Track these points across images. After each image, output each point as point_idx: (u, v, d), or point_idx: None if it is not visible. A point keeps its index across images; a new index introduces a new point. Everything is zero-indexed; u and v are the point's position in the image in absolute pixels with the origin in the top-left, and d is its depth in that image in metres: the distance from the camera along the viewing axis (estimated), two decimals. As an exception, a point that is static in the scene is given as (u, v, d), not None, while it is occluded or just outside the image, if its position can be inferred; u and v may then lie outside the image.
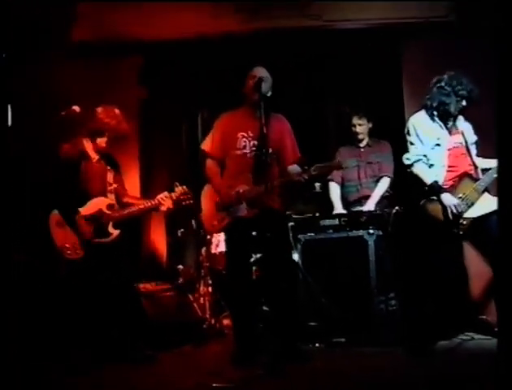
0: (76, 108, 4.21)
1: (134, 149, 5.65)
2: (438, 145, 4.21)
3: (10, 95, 5.26)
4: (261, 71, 4.14)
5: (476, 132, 4.37)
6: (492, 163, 4.16)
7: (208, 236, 5.66)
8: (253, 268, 5.28)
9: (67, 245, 4.23)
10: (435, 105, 4.21)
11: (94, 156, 4.41)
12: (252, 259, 5.18)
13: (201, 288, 5.68)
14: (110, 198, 4.40)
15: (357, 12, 5.33)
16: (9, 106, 5.25)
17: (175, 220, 6.03)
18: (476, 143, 4.35)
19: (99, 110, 4.33)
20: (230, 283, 4.33)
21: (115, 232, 4.33)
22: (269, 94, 4.11)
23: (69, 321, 4.10)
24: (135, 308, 4.37)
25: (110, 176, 4.44)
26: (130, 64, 5.59)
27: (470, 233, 4.15)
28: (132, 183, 5.58)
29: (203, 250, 5.74)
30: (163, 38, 5.40)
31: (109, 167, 4.46)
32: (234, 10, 5.31)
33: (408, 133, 4.31)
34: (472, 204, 4.12)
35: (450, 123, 4.26)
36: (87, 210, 4.29)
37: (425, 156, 4.21)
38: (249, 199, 4.07)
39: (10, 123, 5.26)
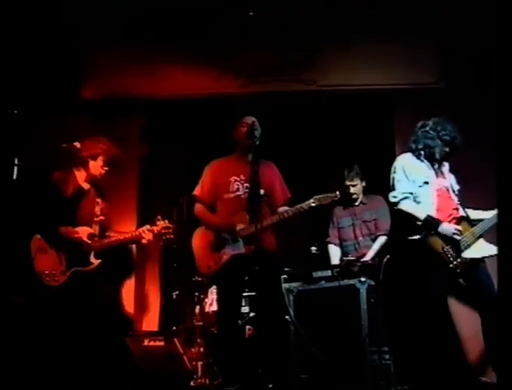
0: (77, 144, 4.38)
1: (132, 205, 5.74)
2: (426, 183, 4.25)
3: (17, 150, 5.52)
4: (253, 119, 4.37)
5: (459, 182, 4.45)
6: (483, 214, 4.25)
7: (202, 296, 5.69)
8: (247, 327, 5.32)
9: (46, 272, 4.27)
10: (420, 147, 4.31)
11: (86, 186, 4.53)
12: (245, 318, 5.25)
13: (194, 350, 5.63)
14: (94, 229, 4.47)
15: (349, 78, 5.61)
16: (15, 160, 5.51)
17: (169, 281, 6.05)
18: (459, 191, 4.39)
19: (88, 140, 4.53)
20: (222, 323, 4.34)
21: (96, 262, 4.37)
22: (257, 143, 4.25)
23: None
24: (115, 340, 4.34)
25: (97, 208, 4.55)
26: (133, 122, 5.83)
27: (466, 273, 4.10)
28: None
29: (197, 309, 5.72)
30: (166, 98, 5.71)
31: (98, 200, 4.58)
32: (234, 75, 5.62)
33: (394, 172, 4.34)
34: (469, 246, 4.12)
35: (436, 165, 4.33)
36: (66, 236, 4.34)
37: (411, 193, 4.23)
38: (246, 237, 4.14)
39: (15, 176, 5.50)
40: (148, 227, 4.45)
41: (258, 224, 3.93)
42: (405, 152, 4.42)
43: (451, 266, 4.07)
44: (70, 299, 4.23)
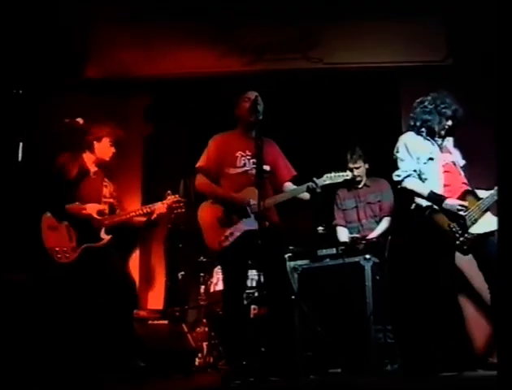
0: (80, 120, 4.36)
1: (137, 185, 5.74)
2: (431, 159, 4.17)
3: (22, 131, 5.50)
4: (255, 94, 4.28)
5: (464, 157, 4.39)
6: (487, 193, 4.13)
7: (207, 276, 5.70)
8: (252, 307, 5.30)
9: (57, 249, 4.27)
10: (418, 124, 4.24)
11: (93, 168, 4.53)
12: (250, 297, 5.24)
13: (199, 330, 5.65)
14: (103, 207, 4.47)
15: (356, 56, 5.55)
16: (20, 143, 5.49)
17: (175, 261, 6.05)
18: (464, 167, 4.33)
19: (92, 124, 4.55)
20: (227, 301, 4.25)
21: (107, 237, 4.39)
22: (260, 118, 4.18)
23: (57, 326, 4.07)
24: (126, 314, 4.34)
25: (106, 191, 4.57)
26: (138, 101, 5.80)
27: (474, 248, 4.02)
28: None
29: (202, 289, 5.73)
30: (170, 77, 5.67)
31: (106, 183, 4.59)
32: (239, 53, 5.58)
33: (397, 151, 4.27)
34: (476, 220, 4.03)
35: (440, 141, 4.26)
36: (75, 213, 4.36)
37: (415, 171, 4.16)
38: (258, 212, 3.98)
39: (20, 158, 5.48)
40: (158, 203, 4.47)
41: (270, 200, 3.98)
42: (407, 131, 4.35)
43: (458, 242, 3.99)
44: (82, 275, 4.24)
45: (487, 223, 4.07)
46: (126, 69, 5.57)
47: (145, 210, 4.47)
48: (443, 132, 4.24)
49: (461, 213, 4.02)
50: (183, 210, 4.49)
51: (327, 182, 4.11)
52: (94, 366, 4.11)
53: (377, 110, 5.78)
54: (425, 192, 4.10)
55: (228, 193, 4.20)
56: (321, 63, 5.53)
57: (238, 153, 4.26)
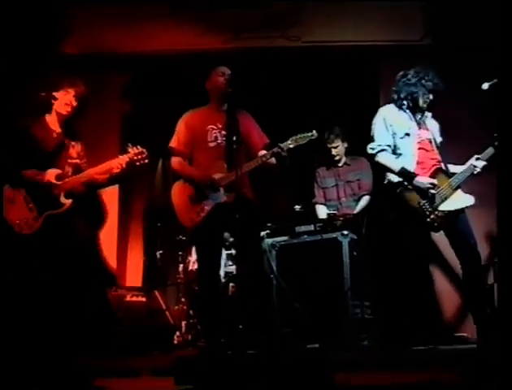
0: (56, 94, 4.27)
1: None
2: (407, 134, 4.21)
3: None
4: (228, 69, 4.27)
5: (441, 134, 4.42)
6: (462, 168, 4.22)
7: (185, 254, 5.71)
8: (231, 285, 5.33)
9: (17, 221, 4.12)
10: (402, 96, 4.25)
11: (56, 129, 4.34)
12: (228, 275, 5.27)
13: (178, 308, 5.66)
14: (67, 170, 4.27)
15: (335, 34, 5.55)
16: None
17: (153, 240, 6.05)
18: (441, 144, 4.36)
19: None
20: (202, 278, 4.27)
21: (67, 202, 4.19)
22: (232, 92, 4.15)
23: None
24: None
25: (72, 151, 4.36)
26: (116, 79, 5.74)
27: (444, 225, 4.11)
28: (111, 199, 5.63)
29: (180, 267, 5.73)
30: (148, 54, 5.61)
31: (73, 143, 4.38)
32: (218, 31, 5.54)
33: (374, 123, 4.31)
34: (446, 198, 4.10)
35: (419, 117, 4.29)
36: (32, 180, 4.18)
37: (389, 146, 4.21)
38: (225, 185, 4.05)
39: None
40: (119, 156, 4.28)
41: (238, 170, 3.86)
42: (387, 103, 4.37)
43: (428, 220, 4.06)
44: (47, 244, 4.10)
45: (457, 201, 4.15)
46: (104, 46, 5.53)
47: (104, 168, 4.26)
48: (425, 105, 4.26)
49: (431, 191, 4.08)
50: (146, 161, 4.30)
51: (293, 145, 4.08)
52: (66, 343, 4.02)
53: (355, 88, 5.80)
54: (396, 168, 4.15)
55: (195, 174, 4.18)
56: (299, 42, 5.52)
57: (209, 127, 4.23)
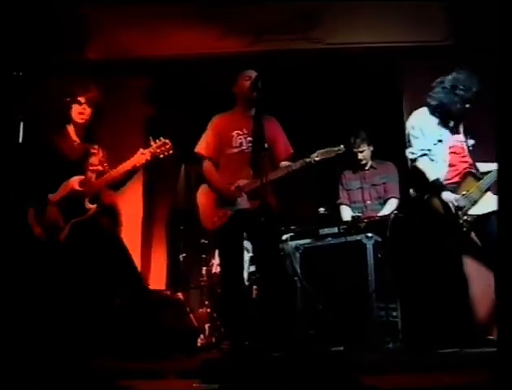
0: (81, 99, 4.28)
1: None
2: (440, 141, 4.18)
3: (22, 112, 5.47)
4: (255, 73, 4.23)
5: (473, 136, 4.36)
6: (493, 166, 4.13)
7: (208, 257, 5.72)
8: (254, 287, 5.32)
9: (47, 229, 4.12)
10: (434, 103, 4.21)
11: (76, 138, 4.36)
12: (252, 278, 5.26)
13: (201, 310, 5.67)
14: (89, 176, 4.26)
15: (357, 36, 5.53)
16: (21, 124, 5.45)
17: (177, 243, 6.07)
18: (473, 146, 4.32)
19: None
20: (225, 281, 4.28)
21: (92, 207, 4.20)
22: (259, 96, 4.11)
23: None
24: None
25: (94, 159, 4.34)
26: (138, 83, 5.79)
27: (474, 230, 4.08)
28: (136, 205, 5.67)
29: (204, 270, 5.75)
30: (170, 58, 5.65)
31: (94, 150, 4.37)
32: (239, 34, 5.55)
33: (412, 127, 4.27)
34: (475, 202, 4.07)
35: (452, 123, 4.24)
36: (57, 195, 4.19)
37: (429, 150, 4.17)
38: (249, 191, 4.07)
39: (21, 139, 5.45)
40: (141, 150, 4.23)
41: (264, 178, 3.82)
42: (421, 107, 4.32)
43: (457, 224, 4.03)
44: (75, 251, 4.10)
45: (487, 204, 4.09)
46: (126, 50, 5.57)
47: (127, 166, 4.19)
48: (458, 114, 4.20)
49: (452, 209, 4.04)
50: (171, 152, 4.22)
51: (319, 158, 4.07)
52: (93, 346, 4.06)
53: (378, 91, 5.77)
54: (432, 177, 4.14)
55: (219, 185, 4.17)
56: (321, 44, 5.52)
57: (235, 133, 4.23)
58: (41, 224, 4.16)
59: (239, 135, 4.22)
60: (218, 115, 4.41)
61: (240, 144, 4.21)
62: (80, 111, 4.28)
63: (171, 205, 6.50)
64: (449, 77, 4.21)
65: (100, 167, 4.34)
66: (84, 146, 4.36)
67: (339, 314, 4.46)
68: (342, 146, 4.12)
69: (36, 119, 5.12)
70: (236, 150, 4.21)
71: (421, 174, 4.21)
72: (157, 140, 4.23)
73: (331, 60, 5.70)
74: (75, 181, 4.21)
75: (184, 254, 6.01)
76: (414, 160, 4.24)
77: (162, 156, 4.22)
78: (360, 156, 5.33)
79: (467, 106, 4.17)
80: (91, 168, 4.31)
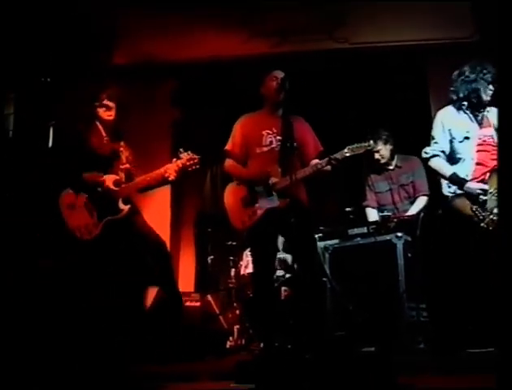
0: (109, 103, 4.34)
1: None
2: (467, 138, 4.06)
3: (51, 118, 5.56)
4: (282, 73, 4.25)
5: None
6: None
7: (236, 259, 5.73)
8: (283, 289, 5.32)
9: (79, 227, 4.17)
10: (462, 95, 4.08)
11: (105, 135, 4.42)
12: (281, 278, 5.25)
13: (230, 313, 5.67)
14: (120, 176, 4.32)
15: (382, 35, 5.55)
16: (51, 129, 5.53)
17: (204, 246, 6.09)
18: None
19: None
20: (257, 280, 4.24)
21: (126, 208, 4.25)
22: (287, 96, 4.15)
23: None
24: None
25: (122, 157, 4.41)
26: (165, 87, 5.86)
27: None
28: (163, 206, 5.71)
29: (232, 272, 5.76)
30: (196, 61, 5.71)
31: (122, 148, 4.44)
32: (265, 35, 5.58)
33: (434, 127, 4.18)
34: None
35: (480, 115, 4.10)
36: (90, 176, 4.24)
37: (443, 152, 4.10)
38: (280, 190, 4.05)
39: (50, 144, 5.53)
40: (173, 161, 4.26)
41: (293, 176, 3.85)
42: (446, 105, 4.20)
43: (482, 225, 3.85)
44: (107, 249, 4.16)
45: None
46: (152, 55, 5.64)
47: (159, 174, 4.25)
48: (489, 99, 4.05)
49: (481, 197, 3.89)
50: (198, 166, 4.28)
51: (349, 153, 4.03)
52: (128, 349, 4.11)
53: (404, 89, 5.74)
54: (447, 174, 4.04)
55: (249, 173, 4.20)
56: (347, 43, 5.54)
57: (264, 132, 4.23)
58: (74, 218, 4.21)
59: (268, 134, 4.22)
60: (245, 115, 4.41)
61: (270, 142, 4.20)
62: (103, 109, 4.34)
63: (199, 207, 6.54)
64: (467, 67, 4.10)
65: (128, 165, 4.40)
66: (112, 144, 4.41)
67: (369, 315, 4.43)
68: (372, 142, 4.10)
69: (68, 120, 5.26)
70: (266, 149, 4.21)
71: (437, 173, 4.15)
72: (186, 154, 4.26)
73: (356, 59, 5.69)
74: (110, 179, 4.25)
75: (212, 257, 6.03)
76: (427, 160, 4.18)
77: (190, 169, 4.28)
78: (376, 156, 5.21)
79: (492, 88, 4.02)
80: (121, 167, 4.36)
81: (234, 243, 5.77)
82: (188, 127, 5.98)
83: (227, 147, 4.34)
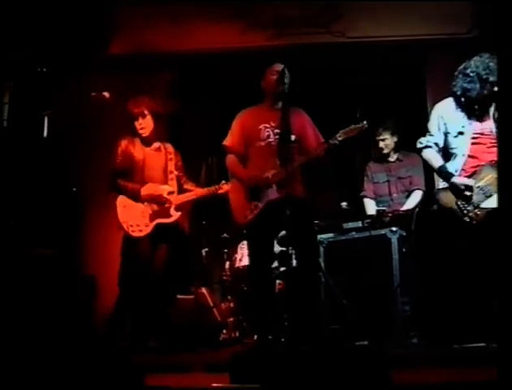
0: (106, 94, 4.38)
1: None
2: (461, 133, 4.04)
3: (47, 108, 5.54)
4: (282, 66, 4.21)
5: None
6: None
7: (231, 251, 5.73)
8: (277, 282, 5.32)
9: (130, 223, 4.56)
10: (458, 92, 4.07)
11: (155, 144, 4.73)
12: (275, 272, 5.25)
13: (224, 305, 5.67)
14: (171, 184, 4.72)
15: (379, 29, 5.52)
16: (45, 118, 5.52)
17: (199, 238, 6.09)
18: None
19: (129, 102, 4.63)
20: (254, 274, 4.30)
21: (177, 214, 4.67)
22: (287, 90, 4.12)
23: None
24: None
25: (170, 165, 4.74)
26: (163, 77, 5.82)
27: (484, 224, 3.83)
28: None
29: (227, 265, 5.75)
30: (194, 53, 5.67)
31: (170, 156, 4.76)
32: (262, 28, 5.56)
33: (430, 119, 4.20)
34: (491, 195, 3.86)
35: (479, 111, 4.06)
36: (146, 194, 4.62)
37: (436, 144, 4.10)
38: (276, 181, 4.06)
39: (45, 134, 5.52)
40: (221, 186, 4.67)
41: (289, 166, 3.89)
42: (444, 98, 4.20)
43: (466, 219, 3.88)
44: (154, 247, 4.60)
45: None
46: (150, 46, 5.60)
47: (210, 190, 4.72)
48: (484, 100, 4.01)
49: (466, 192, 3.90)
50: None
51: (342, 137, 4.06)
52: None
53: (402, 83, 5.74)
54: (436, 166, 4.06)
55: (246, 175, 4.22)
56: (344, 37, 5.51)
57: (262, 126, 4.24)
58: (126, 215, 4.60)
59: (266, 128, 4.23)
60: (244, 110, 4.42)
61: (268, 136, 4.21)
62: (140, 128, 4.64)
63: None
64: (471, 62, 4.05)
65: (177, 173, 4.81)
66: (160, 154, 4.75)
67: (363, 309, 4.43)
68: (365, 122, 4.10)
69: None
70: (263, 143, 4.22)
71: (428, 164, 4.19)
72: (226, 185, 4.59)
73: (353, 53, 5.66)
74: (164, 190, 4.67)
75: (206, 249, 6.03)
76: (419, 150, 4.20)
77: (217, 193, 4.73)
78: (381, 144, 5.26)
79: (494, 88, 3.94)
80: (170, 176, 4.75)
81: (228, 235, 5.77)
82: (185, 119, 5.96)
83: (227, 142, 4.35)
